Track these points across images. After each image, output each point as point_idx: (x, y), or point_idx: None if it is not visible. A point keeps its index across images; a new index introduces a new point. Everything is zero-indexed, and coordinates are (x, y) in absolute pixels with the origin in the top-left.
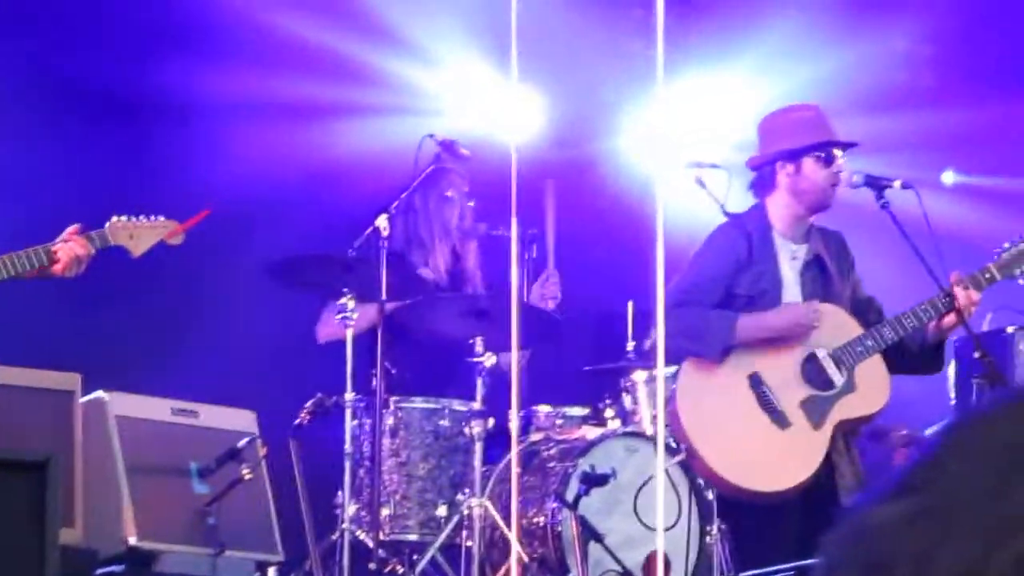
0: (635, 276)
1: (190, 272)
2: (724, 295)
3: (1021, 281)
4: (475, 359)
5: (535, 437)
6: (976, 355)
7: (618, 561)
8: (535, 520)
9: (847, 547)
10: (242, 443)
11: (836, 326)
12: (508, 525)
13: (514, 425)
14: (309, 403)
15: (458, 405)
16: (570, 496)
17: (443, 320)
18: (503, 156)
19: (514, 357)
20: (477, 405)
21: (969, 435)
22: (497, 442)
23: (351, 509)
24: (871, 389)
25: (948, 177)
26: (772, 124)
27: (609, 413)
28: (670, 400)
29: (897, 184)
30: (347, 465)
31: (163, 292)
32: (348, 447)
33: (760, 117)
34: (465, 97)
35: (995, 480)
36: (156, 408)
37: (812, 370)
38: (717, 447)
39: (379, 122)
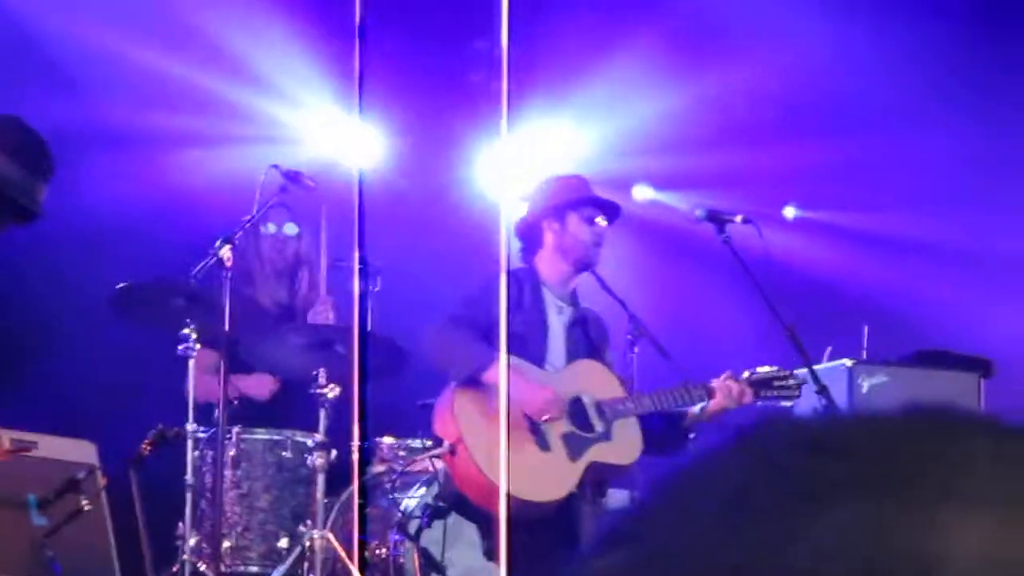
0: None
1: (30, 299)
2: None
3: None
4: (318, 390)
5: (378, 468)
6: (815, 389)
7: None
8: (378, 552)
9: None
10: (81, 474)
11: (602, 381)
12: (350, 557)
13: (355, 457)
14: (151, 434)
15: (301, 436)
16: (412, 528)
17: (285, 351)
18: (349, 186)
19: (355, 389)
20: (320, 436)
21: (688, 480)
22: (339, 474)
23: (192, 541)
24: (625, 443)
25: (790, 212)
26: (538, 191)
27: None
28: (447, 397)
29: (739, 219)
30: (188, 496)
31: (5, 315)
32: (190, 478)
33: (603, 151)
34: (311, 128)
35: (712, 528)
36: None
37: (576, 411)
38: (483, 446)
39: (225, 152)
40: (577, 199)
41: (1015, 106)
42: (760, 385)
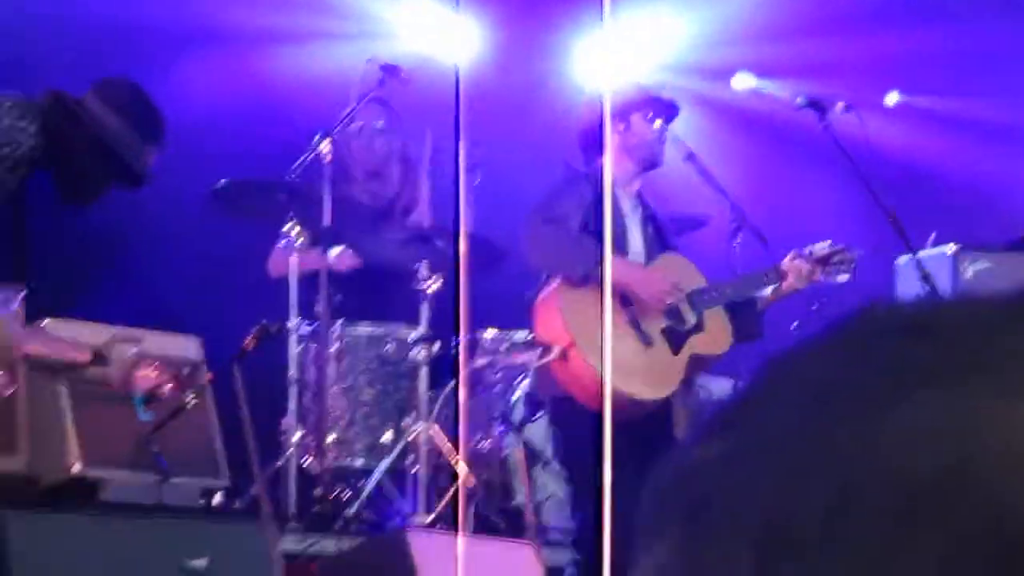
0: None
1: (134, 197)
2: (581, 225)
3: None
4: (419, 284)
5: (480, 362)
6: (919, 276)
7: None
8: (481, 445)
9: (669, 487)
10: (186, 370)
11: (686, 273)
12: (455, 450)
13: (462, 351)
14: (254, 329)
15: (403, 331)
16: (516, 420)
17: (387, 247)
18: (448, 80)
19: (462, 282)
20: (422, 330)
21: (783, 371)
22: (442, 367)
23: (297, 435)
24: (717, 333)
25: (892, 98)
26: (598, 96)
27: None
28: (550, 298)
29: (840, 106)
30: (292, 391)
31: (105, 216)
32: (293, 373)
33: (703, 40)
34: (409, 23)
35: (807, 415)
36: (99, 334)
37: (669, 306)
38: (592, 348)
39: (322, 47)
40: (641, 99)
41: None
42: (821, 261)
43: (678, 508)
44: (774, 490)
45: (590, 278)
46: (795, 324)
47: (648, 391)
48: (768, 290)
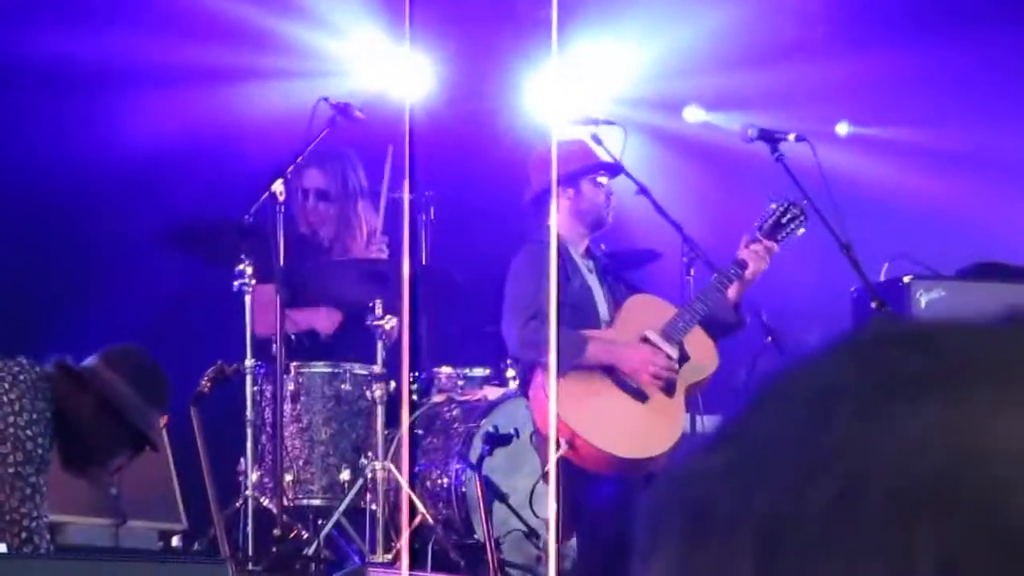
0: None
1: (88, 239)
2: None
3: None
4: (375, 322)
5: (437, 399)
6: (873, 305)
7: (522, 520)
8: (439, 482)
9: (668, 499)
10: None
11: (654, 311)
12: (412, 487)
13: (404, 385)
14: (210, 370)
15: (359, 369)
16: (473, 457)
17: (342, 285)
18: (399, 118)
19: (404, 318)
20: (378, 368)
21: (783, 382)
22: (399, 405)
23: (254, 476)
24: (703, 355)
25: (843, 128)
26: (542, 156)
27: (511, 373)
28: (540, 392)
29: (791, 137)
30: (249, 432)
31: (61, 256)
32: (249, 414)
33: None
34: (360, 60)
35: (806, 425)
36: None
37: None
38: (594, 429)
39: (275, 86)
40: (589, 166)
41: None
42: (774, 230)
43: (678, 518)
44: (774, 493)
45: (574, 368)
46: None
47: (658, 445)
48: (734, 285)
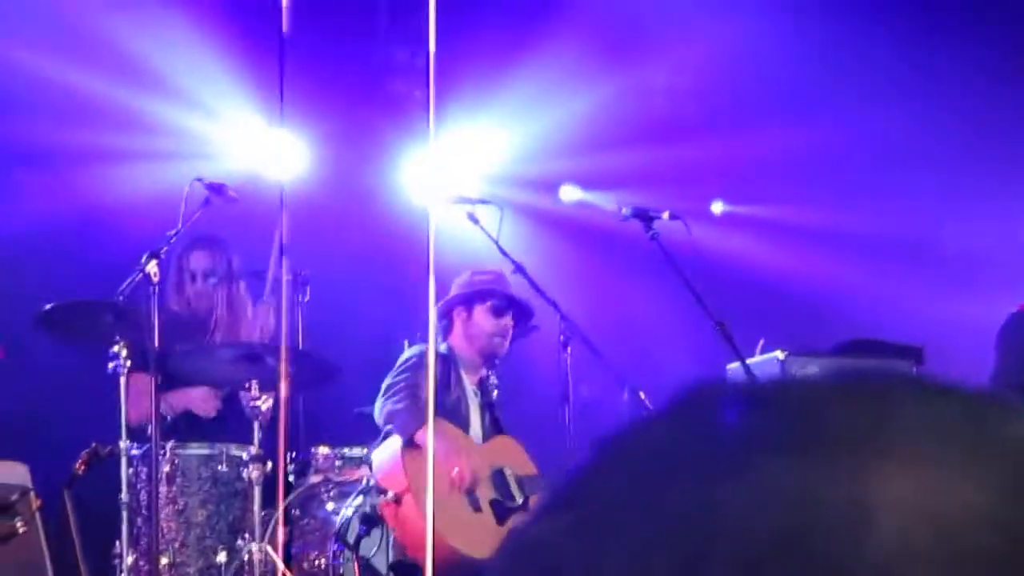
0: (413, 314)
1: None
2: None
3: None
4: (251, 403)
5: (315, 479)
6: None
7: None
8: (317, 563)
9: (518, 559)
10: (14, 496)
11: (519, 457)
12: (289, 568)
13: (281, 466)
14: (84, 453)
15: (235, 450)
16: (351, 537)
17: (218, 365)
18: (274, 197)
19: (282, 398)
20: (255, 449)
21: (622, 445)
22: (276, 486)
23: (129, 559)
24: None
25: (717, 207)
26: (460, 281)
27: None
28: (396, 451)
29: (666, 215)
30: (124, 514)
31: None
32: (124, 496)
33: (529, 153)
34: (234, 141)
35: (650, 489)
36: None
37: (500, 483)
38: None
39: (149, 167)
40: (483, 291)
41: (934, 99)
42: None
43: None
44: (621, 559)
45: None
46: None
47: (469, 548)
48: None
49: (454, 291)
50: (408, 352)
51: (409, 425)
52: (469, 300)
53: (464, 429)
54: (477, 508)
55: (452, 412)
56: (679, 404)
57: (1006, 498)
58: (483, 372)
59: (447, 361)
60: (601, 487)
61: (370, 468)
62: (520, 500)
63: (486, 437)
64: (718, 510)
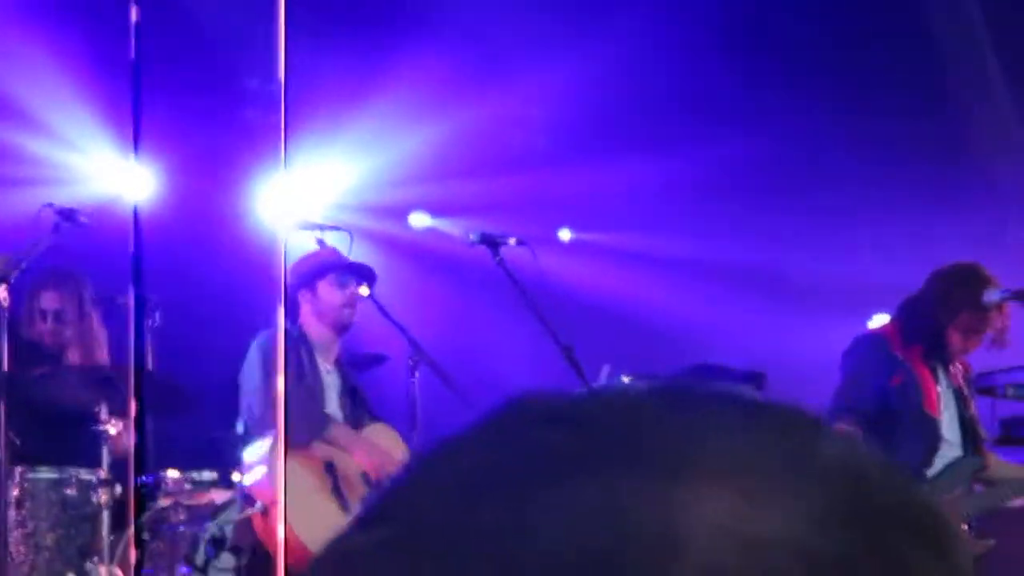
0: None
1: None
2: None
3: None
4: (100, 427)
5: (164, 503)
6: None
7: None
8: None
9: (329, 573)
10: None
11: (395, 447)
12: None
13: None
14: None
15: (85, 474)
16: (199, 560)
17: (67, 389)
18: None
19: (131, 423)
20: (104, 473)
21: (434, 461)
22: (125, 509)
23: None
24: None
25: (565, 234)
26: (294, 266)
27: (237, 476)
28: (265, 460)
29: (512, 241)
30: None
31: None
32: None
33: (379, 181)
34: (87, 169)
35: (459, 508)
36: None
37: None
38: (294, 508)
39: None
40: (323, 265)
41: (775, 135)
42: None
43: None
44: (436, 574)
45: (303, 445)
46: None
47: None
48: None
49: (292, 277)
50: (252, 349)
51: (300, 434)
52: (311, 279)
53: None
54: (346, 508)
55: (307, 400)
56: (497, 418)
57: (813, 524)
58: (337, 351)
59: (298, 345)
60: (410, 502)
61: (226, 488)
62: None
63: (349, 421)
64: (528, 530)
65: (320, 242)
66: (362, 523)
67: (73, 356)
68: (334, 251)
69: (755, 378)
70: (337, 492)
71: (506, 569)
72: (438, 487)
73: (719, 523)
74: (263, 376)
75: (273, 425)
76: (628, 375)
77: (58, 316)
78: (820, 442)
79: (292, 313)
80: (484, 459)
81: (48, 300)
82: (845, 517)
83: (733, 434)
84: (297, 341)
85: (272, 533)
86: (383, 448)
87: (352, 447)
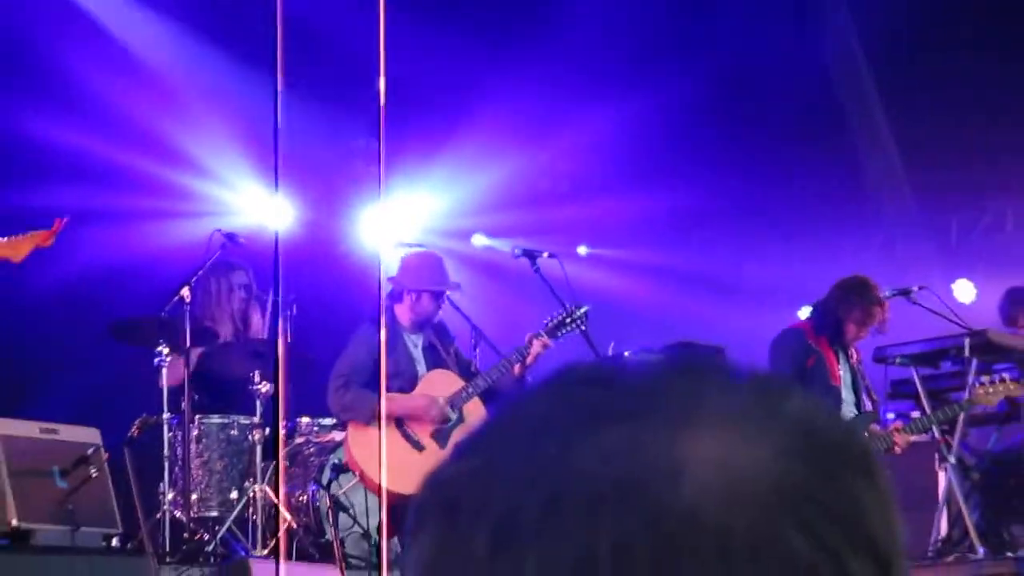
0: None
1: (51, 333)
2: (373, 371)
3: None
4: (255, 387)
5: (299, 440)
6: None
7: (359, 524)
8: (300, 499)
9: (431, 494)
10: (90, 451)
11: (446, 382)
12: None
13: (280, 431)
14: (137, 421)
15: (244, 420)
16: (324, 481)
17: (231, 361)
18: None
19: (281, 383)
20: (257, 419)
21: (512, 410)
22: (272, 445)
23: (170, 495)
24: (476, 418)
25: (583, 249)
26: (408, 261)
27: None
28: (347, 438)
29: (545, 255)
30: (166, 464)
31: (29, 341)
32: (166, 451)
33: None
34: (242, 202)
35: (526, 446)
36: (28, 428)
37: (434, 416)
38: (374, 469)
39: (182, 223)
40: (432, 288)
41: (735, 171)
42: (555, 330)
43: (436, 508)
44: (504, 494)
45: (371, 420)
46: None
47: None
48: (516, 367)
49: (403, 274)
50: (348, 343)
51: (366, 413)
52: (419, 289)
53: (414, 381)
54: (420, 448)
55: (400, 374)
56: (552, 381)
57: (781, 459)
58: (421, 331)
59: (390, 326)
60: (490, 444)
61: (342, 430)
62: (454, 417)
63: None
64: (573, 463)
65: (436, 258)
66: (456, 456)
67: (236, 334)
68: (437, 260)
69: (718, 351)
70: (407, 436)
71: (555, 491)
72: (509, 431)
73: (712, 458)
74: (366, 352)
75: (369, 386)
76: (627, 350)
77: (247, 288)
78: (786, 399)
79: (395, 298)
80: (541, 411)
81: (239, 276)
82: (805, 454)
83: (723, 393)
84: (390, 323)
85: (373, 489)
86: (436, 391)
87: (410, 402)
